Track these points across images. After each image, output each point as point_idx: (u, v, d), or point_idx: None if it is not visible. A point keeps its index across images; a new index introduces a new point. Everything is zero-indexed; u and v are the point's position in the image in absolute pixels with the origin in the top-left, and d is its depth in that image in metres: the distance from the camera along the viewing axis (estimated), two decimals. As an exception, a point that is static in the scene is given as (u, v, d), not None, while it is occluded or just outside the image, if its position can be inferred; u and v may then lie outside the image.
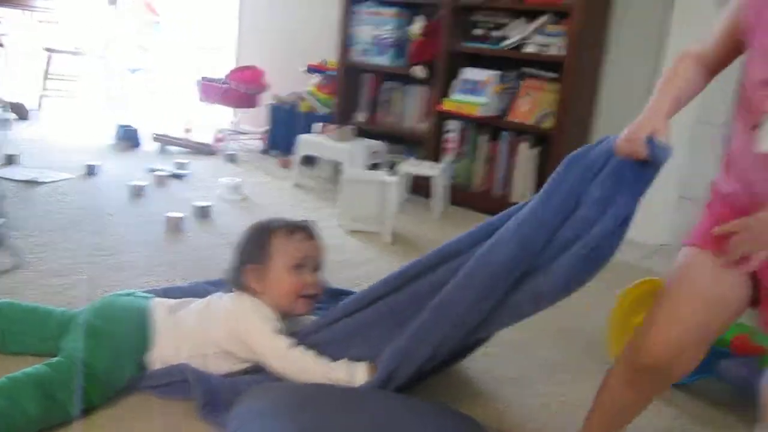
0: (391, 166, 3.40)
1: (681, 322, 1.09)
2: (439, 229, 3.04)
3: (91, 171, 3.22)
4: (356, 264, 2.45)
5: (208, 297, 1.62)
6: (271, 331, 1.48)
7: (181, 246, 2.42)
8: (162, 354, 1.48)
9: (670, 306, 1.12)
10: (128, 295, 1.61)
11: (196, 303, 1.61)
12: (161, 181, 3.20)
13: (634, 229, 3.20)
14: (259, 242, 1.60)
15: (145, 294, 1.65)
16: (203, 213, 2.77)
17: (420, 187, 3.37)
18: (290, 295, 1.56)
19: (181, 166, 3.51)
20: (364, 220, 2.80)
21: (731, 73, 2.55)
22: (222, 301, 1.58)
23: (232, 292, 1.60)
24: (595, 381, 1.73)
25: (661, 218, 3.16)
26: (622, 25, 3.22)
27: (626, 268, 2.75)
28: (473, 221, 3.16)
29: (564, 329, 2.06)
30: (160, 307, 1.55)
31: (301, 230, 1.63)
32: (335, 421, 1.27)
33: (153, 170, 3.34)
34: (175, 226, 2.56)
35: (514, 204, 3.03)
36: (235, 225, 2.72)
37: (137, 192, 2.95)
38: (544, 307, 1.35)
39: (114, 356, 1.41)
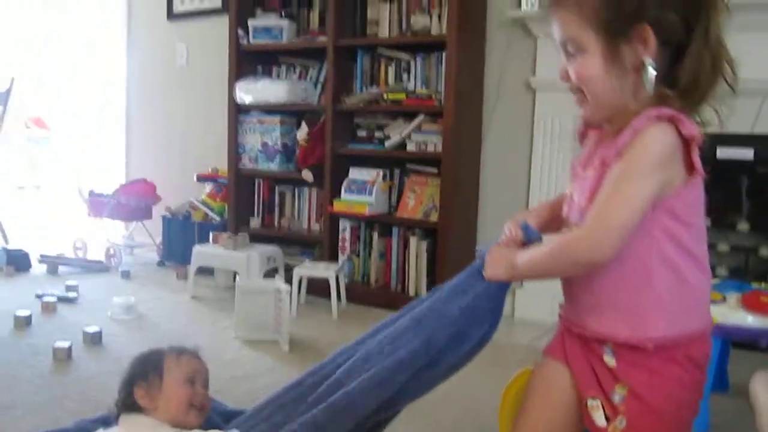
0: (287, 271, 3.43)
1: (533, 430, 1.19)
2: (338, 329, 3.07)
3: (-28, 303, 3.10)
4: (254, 376, 2.43)
5: None
6: None
7: (70, 378, 2.34)
8: None
9: (524, 415, 1.23)
10: None
11: None
12: (49, 307, 3.10)
13: (527, 309, 3.38)
14: (149, 364, 1.60)
15: None
16: (93, 339, 2.69)
17: (318, 287, 3.39)
18: (183, 405, 1.55)
19: (71, 288, 3.41)
20: (261, 329, 2.80)
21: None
22: None
23: (116, 425, 1.57)
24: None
25: (548, 296, 3.31)
26: (494, 118, 3.45)
27: (520, 348, 2.85)
28: (372, 317, 3.22)
29: (458, 420, 2.10)
30: None
31: (189, 352, 1.66)
32: None
33: (40, 296, 3.23)
34: (63, 357, 2.48)
35: (411, 298, 3.13)
36: (128, 349, 2.66)
37: (22, 322, 2.85)
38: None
39: None
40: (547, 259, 1.15)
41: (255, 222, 3.95)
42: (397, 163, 3.54)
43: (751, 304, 2.05)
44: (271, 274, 3.48)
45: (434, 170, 3.38)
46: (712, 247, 3.19)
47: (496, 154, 3.47)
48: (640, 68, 1.06)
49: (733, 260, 3.17)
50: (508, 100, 3.41)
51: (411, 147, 3.41)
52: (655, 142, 1.02)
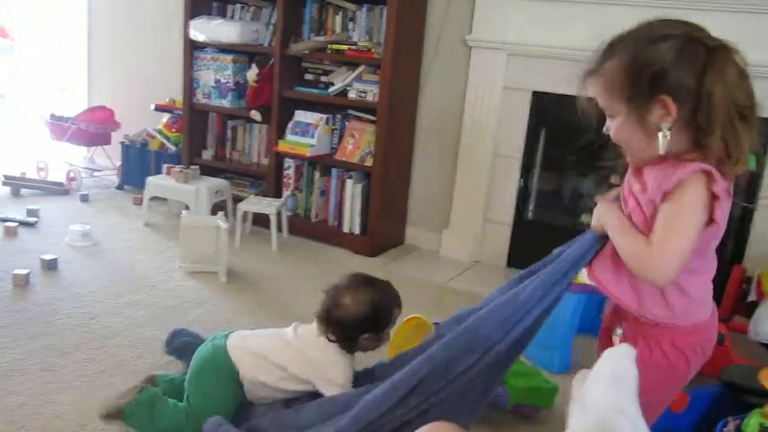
0: (236, 202, 3.71)
1: None
2: (276, 261, 3.41)
3: (-61, 225, 3.37)
4: (190, 307, 2.76)
5: (292, 335, 1.96)
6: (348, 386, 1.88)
7: (26, 303, 2.66)
8: (248, 376, 1.89)
9: None
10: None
11: (282, 337, 1.96)
12: (10, 231, 3.39)
13: (451, 248, 3.88)
14: (385, 316, 1.92)
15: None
16: (50, 265, 2.99)
17: (265, 219, 3.67)
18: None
19: (31, 213, 3.68)
20: (203, 260, 3.12)
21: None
22: (317, 350, 1.90)
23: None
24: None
25: (470, 238, 3.66)
26: (431, 72, 3.69)
27: (436, 288, 3.21)
28: (309, 249, 3.56)
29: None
30: (236, 339, 1.95)
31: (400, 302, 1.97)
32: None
33: (3, 220, 3.50)
34: (21, 282, 2.78)
35: (346, 233, 3.44)
36: (81, 276, 2.98)
37: (-15, 246, 3.14)
38: None
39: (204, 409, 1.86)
40: (624, 248, 1.31)
41: (208, 154, 4.20)
42: (339, 109, 3.79)
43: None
44: (220, 205, 3.77)
45: (372, 118, 3.64)
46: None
47: (431, 107, 3.74)
48: (678, 127, 1.23)
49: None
50: (445, 55, 3.64)
51: (352, 95, 3.66)
52: (696, 191, 1.22)
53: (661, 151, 1.24)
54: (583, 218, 3.58)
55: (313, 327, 1.94)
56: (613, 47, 1.28)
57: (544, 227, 3.64)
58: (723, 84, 1.19)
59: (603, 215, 1.39)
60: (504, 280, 3.60)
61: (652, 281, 1.28)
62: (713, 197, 1.23)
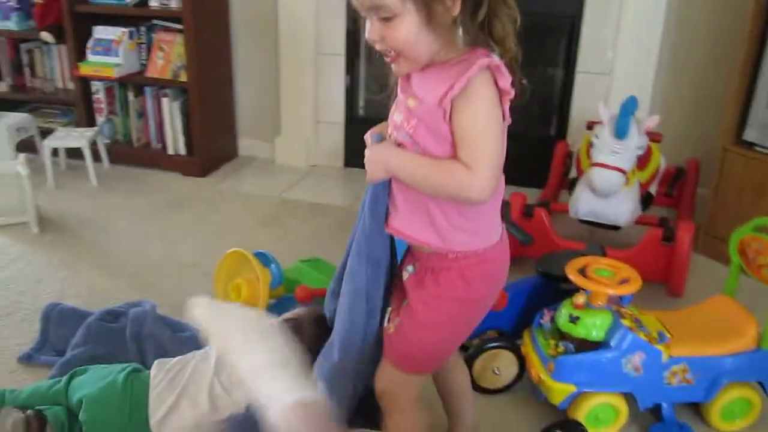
0: (46, 136, 3.37)
1: None
2: (98, 198, 3.15)
3: None
4: (1, 267, 2.52)
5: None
6: None
7: None
8: None
9: None
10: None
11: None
12: None
13: (283, 156, 3.67)
14: None
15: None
16: None
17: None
18: None
19: None
20: (9, 212, 2.83)
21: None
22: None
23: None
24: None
25: (304, 143, 3.55)
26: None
27: (270, 202, 3.11)
28: (135, 178, 3.31)
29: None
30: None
31: None
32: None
33: None
34: None
35: (172, 155, 3.33)
36: None
37: None
38: None
39: None
40: (429, 182, 1.20)
41: (3, 85, 3.74)
42: (142, 20, 3.44)
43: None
44: (30, 142, 3.41)
45: (181, 26, 3.33)
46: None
47: (245, 8, 3.46)
48: (453, 24, 1.13)
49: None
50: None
51: (154, 3, 3.30)
52: (488, 91, 1.12)
53: (459, 43, 1.14)
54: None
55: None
56: None
57: (376, 122, 3.54)
58: None
59: (382, 161, 1.25)
60: (342, 182, 3.56)
61: (474, 201, 1.18)
62: (501, 92, 1.14)
